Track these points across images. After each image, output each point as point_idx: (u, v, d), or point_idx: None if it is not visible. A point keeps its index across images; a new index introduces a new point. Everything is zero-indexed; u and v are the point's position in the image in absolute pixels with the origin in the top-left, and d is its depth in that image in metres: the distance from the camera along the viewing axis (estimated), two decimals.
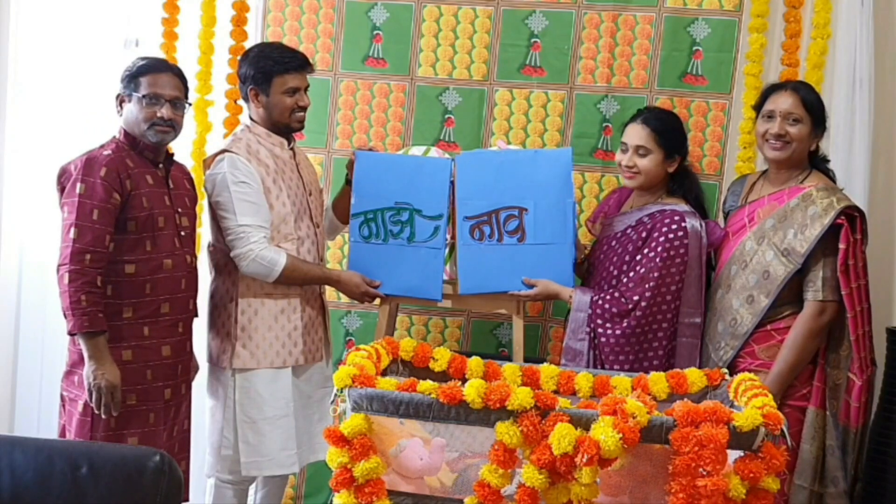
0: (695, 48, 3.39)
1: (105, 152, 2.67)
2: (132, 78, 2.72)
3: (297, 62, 2.93)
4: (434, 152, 3.18)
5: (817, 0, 3.28)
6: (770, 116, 2.82)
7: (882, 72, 3.28)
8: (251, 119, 2.99)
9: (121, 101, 2.76)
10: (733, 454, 2.21)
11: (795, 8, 3.33)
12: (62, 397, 2.76)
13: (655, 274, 2.82)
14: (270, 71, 2.89)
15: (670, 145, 2.91)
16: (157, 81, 2.71)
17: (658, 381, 2.63)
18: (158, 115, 2.69)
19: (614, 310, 2.84)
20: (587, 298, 2.89)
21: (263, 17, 3.55)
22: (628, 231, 2.95)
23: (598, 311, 2.85)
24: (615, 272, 2.93)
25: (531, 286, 2.97)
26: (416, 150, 3.17)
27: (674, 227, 2.84)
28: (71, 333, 2.61)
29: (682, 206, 2.91)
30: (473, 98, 3.49)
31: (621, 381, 2.67)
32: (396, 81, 3.51)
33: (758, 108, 2.90)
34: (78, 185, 2.60)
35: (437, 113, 3.51)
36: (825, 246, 2.70)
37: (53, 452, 2.09)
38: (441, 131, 3.50)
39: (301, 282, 2.93)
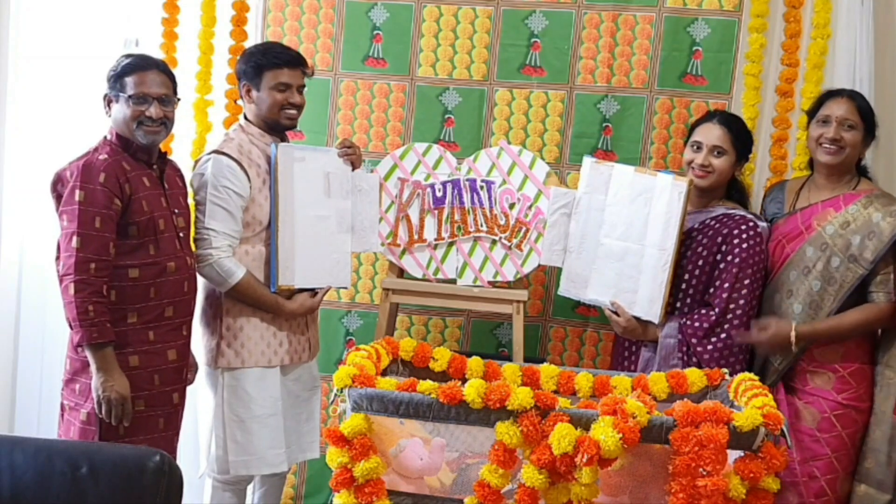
0: (695, 48, 3.39)
1: (101, 156, 2.61)
2: (118, 78, 2.66)
3: (288, 57, 2.91)
4: (436, 149, 3.17)
5: (817, 0, 3.29)
6: (825, 121, 2.88)
7: (882, 72, 3.28)
8: (245, 118, 2.97)
9: (108, 101, 2.70)
10: (733, 454, 2.21)
11: (795, 8, 3.33)
12: (62, 406, 2.70)
13: (747, 281, 2.82)
14: (261, 65, 2.88)
15: (744, 148, 2.98)
16: (144, 80, 2.65)
17: (658, 381, 2.64)
18: (147, 114, 2.64)
19: (706, 325, 2.82)
20: (675, 323, 2.87)
21: (263, 17, 3.54)
22: (692, 233, 2.94)
23: (689, 331, 2.83)
24: (684, 275, 2.91)
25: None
26: (419, 148, 3.17)
27: (751, 232, 2.86)
28: (78, 345, 2.57)
29: (746, 212, 2.94)
30: (473, 98, 3.48)
31: (621, 380, 2.68)
32: (396, 81, 3.51)
33: (812, 113, 2.96)
34: (77, 192, 2.54)
35: (437, 113, 3.50)
36: (894, 251, 2.78)
37: (53, 452, 2.09)
38: (441, 131, 3.50)
39: (251, 302, 2.87)
